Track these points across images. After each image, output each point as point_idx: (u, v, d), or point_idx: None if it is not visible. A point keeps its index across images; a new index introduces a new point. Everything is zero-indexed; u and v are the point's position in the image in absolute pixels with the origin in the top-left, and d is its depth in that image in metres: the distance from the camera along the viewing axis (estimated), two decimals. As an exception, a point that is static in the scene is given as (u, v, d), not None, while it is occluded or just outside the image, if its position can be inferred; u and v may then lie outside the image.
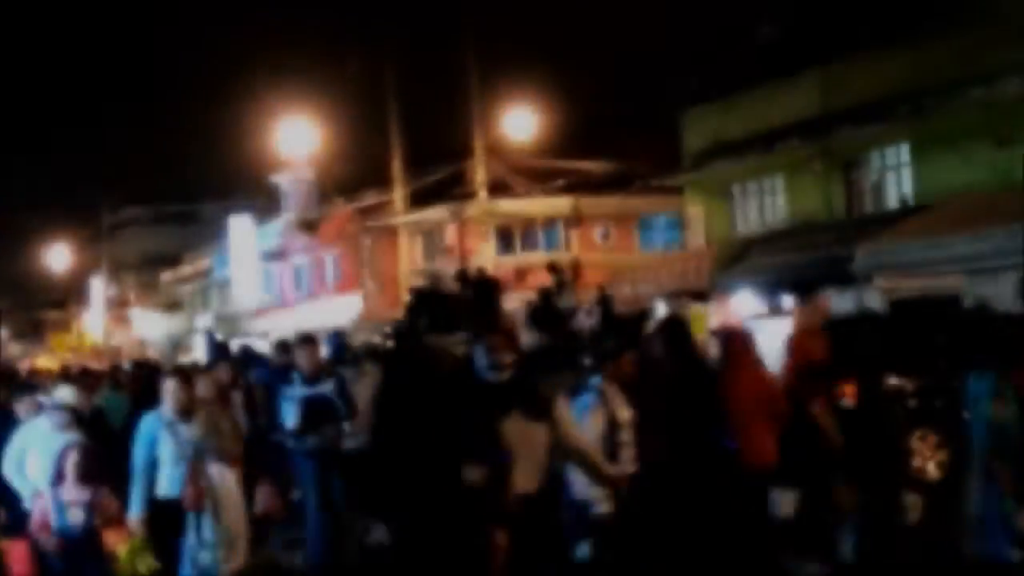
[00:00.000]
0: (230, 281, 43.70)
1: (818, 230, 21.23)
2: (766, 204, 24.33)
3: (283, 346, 11.78)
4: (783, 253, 21.12)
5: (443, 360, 6.33)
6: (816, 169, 22.02)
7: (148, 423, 7.47)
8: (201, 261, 49.10)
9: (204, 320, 45.32)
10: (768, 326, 22.01)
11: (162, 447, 7.39)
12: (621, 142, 30.86)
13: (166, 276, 53.45)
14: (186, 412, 7.46)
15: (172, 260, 53.04)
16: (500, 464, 5.68)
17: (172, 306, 52.54)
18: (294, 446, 9.08)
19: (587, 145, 31.67)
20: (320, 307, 38.33)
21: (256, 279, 42.72)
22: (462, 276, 20.21)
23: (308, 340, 9.62)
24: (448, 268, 32.04)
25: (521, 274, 31.54)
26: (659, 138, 27.93)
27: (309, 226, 39.70)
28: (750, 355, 7.94)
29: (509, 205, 32.39)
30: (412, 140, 33.51)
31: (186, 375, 7.86)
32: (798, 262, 20.16)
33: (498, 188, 32.38)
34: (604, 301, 21.88)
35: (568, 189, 32.14)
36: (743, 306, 21.25)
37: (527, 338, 15.17)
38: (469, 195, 32.30)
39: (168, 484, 7.36)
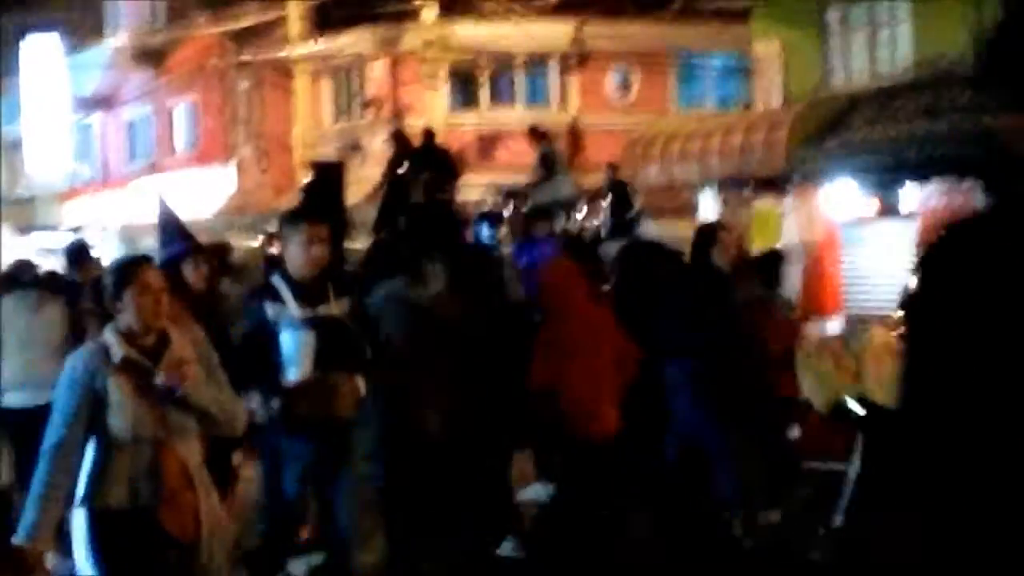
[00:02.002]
0: (21, 143, 43.43)
1: (961, 86, 21.18)
2: (880, 42, 24.23)
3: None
4: (905, 122, 21.06)
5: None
6: (962, -13, 21.93)
7: None
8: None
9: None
10: (879, 231, 22.24)
11: None
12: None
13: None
14: None
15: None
16: None
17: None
18: None
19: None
20: (167, 186, 38.10)
21: (65, 140, 42.45)
22: (398, 139, 20.12)
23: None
24: (373, 131, 31.95)
25: (487, 143, 31.42)
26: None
27: (151, 57, 39.32)
28: (581, 291, 10.05)
29: (471, 32, 32.18)
30: (319, -77, 33.26)
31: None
32: (928, 135, 20.09)
33: (454, 5, 32.13)
34: (618, 188, 21.89)
35: (565, 8, 31.93)
36: (840, 202, 21.23)
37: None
38: (407, 14, 32.06)
39: None
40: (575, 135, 31.26)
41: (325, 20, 33.79)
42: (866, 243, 21.40)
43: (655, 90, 32.95)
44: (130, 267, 6.68)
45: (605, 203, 21.13)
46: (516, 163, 26.19)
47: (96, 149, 43.50)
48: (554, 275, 10.25)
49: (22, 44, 42.13)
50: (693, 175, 23.52)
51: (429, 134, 20.00)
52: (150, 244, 28.40)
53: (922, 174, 20.49)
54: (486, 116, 32.38)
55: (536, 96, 33.21)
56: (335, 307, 8.49)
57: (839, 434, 10.34)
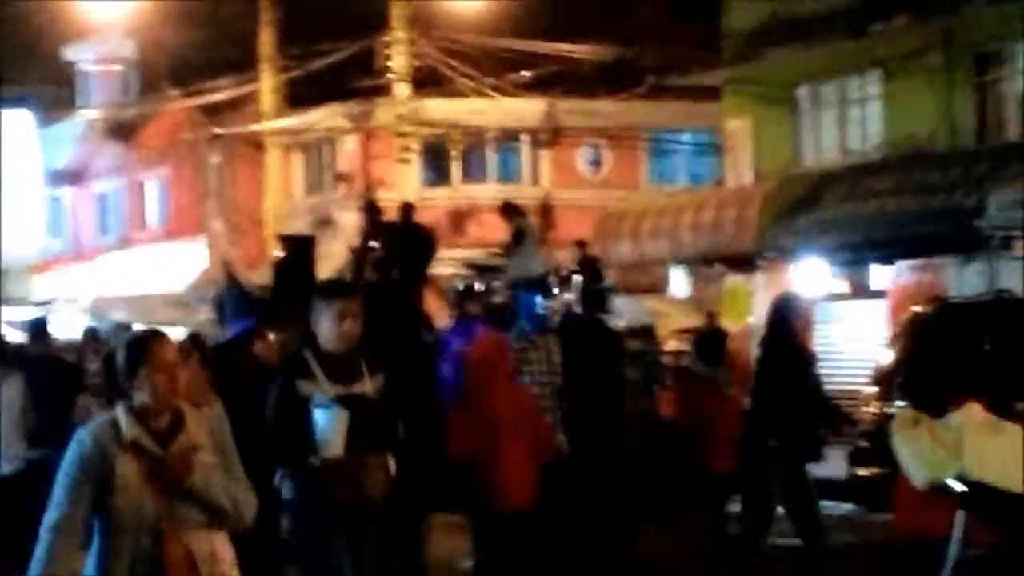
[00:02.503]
0: (-3, 217, 43.30)
1: (931, 164, 21.30)
2: (850, 119, 24.36)
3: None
4: (875, 199, 21.16)
5: None
6: (933, 65, 22.08)
7: None
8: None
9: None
10: (849, 311, 22.28)
11: None
12: (624, 16, 30.75)
13: None
14: None
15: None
16: None
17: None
18: None
19: (571, 20, 31.56)
20: (138, 260, 37.99)
21: (36, 213, 42.32)
22: (370, 213, 20.09)
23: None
24: (345, 205, 31.96)
25: (459, 218, 31.44)
26: (684, 10, 27.79)
27: (123, 131, 39.33)
28: (504, 367, 10.49)
29: (443, 108, 32.26)
30: (292, 0, 33.27)
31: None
32: (898, 214, 20.19)
33: (427, 81, 32.23)
34: (588, 265, 21.91)
35: (538, 86, 32.07)
36: (811, 280, 21.30)
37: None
38: (380, 89, 32.14)
39: None
40: (547, 211, 31.31)
41: (297, 95, 33.80)
42: (836, 320, 21.45)
43: (627, 166, 33.05)
44: (145, 342, 6.26)
45: (577, 279, 21.15)
46: (488, 238, 26.20)
47: (67, 222, 43.34)
48: (482, 350, 10.70)
49: (-2, 118, 42.02)
50: (664, 252, 23.61)
51: (407, 208, 19.96)
52: (121, 317, 28.34)
53: (892, 252, 20.60)
54: (458, 191, 32.45)
55: (508, 172, 33.29)
56: (368, 385, 8.25)
57: (934, 511, 10.42)
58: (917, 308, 14.43)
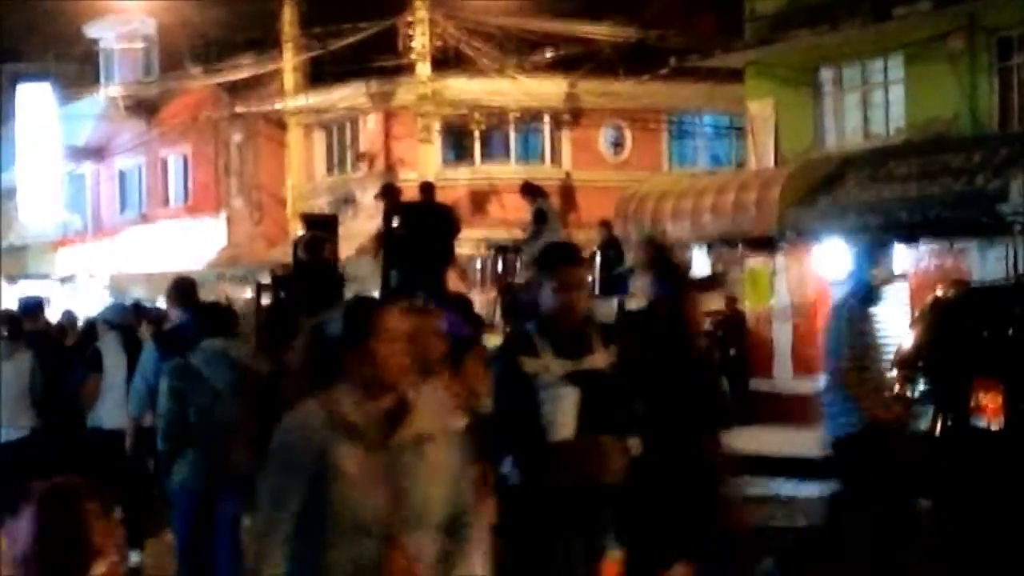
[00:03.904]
0: (13, 192, 43.41)
1: (954, 148, 21.30)
2: (872, 103, 24.35)
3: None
4: (897, 183, 21.18)
5: None
6: (955, 49, 22.07)
7: None
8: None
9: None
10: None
11: None
12: (646, -4, 30.77)
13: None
14: None
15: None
16: None
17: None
18: None
19: (593, 1, 31.54)
20: (158, 237, 38.09)
21: (57, 190, 42.45)
22: (388, 197, 20.15)
23: None
24: (366, 184, 32.02)
25: (480, 198, 31.48)
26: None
27: (144, 108, 39.36)
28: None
29: (465, 87, 32.30)
30: (314, -22, 33.36)
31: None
32: (921, 198, 20.20)
33: (448, 61, 32.26)
34: (610, 245, 21.98)
35: (560, 67, 32.10)
36: (831, 262, 21.31)
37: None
38: (401, 69, 32.17)
39: None
40: (568, 191, 31.37)
41: (319, 73, 33.86)
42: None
43: (648, 148, 33.04)
44: (369, 309, 5.35)
45: (597, 260, 21.21)
46: (508, 218, 26.29)
47: (88, 199, 43.44)
48: None
49: (15, 93, 42.20)
50: (685, 233, 23.58)
51: (427, 188, 19.99)
52: (140, 294, 28.47)
53: (914, 236, 20.59)
54: (479, 171, 32.45)
55: (529, 152, 33.29)
56: (600, 359, 7.47)
57: None
58: (938, 292, 14.45)
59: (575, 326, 7.46)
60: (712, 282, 21.43)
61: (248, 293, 22.02)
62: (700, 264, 23.17)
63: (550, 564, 7.30)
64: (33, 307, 15.03)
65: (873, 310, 10.05)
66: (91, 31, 40.90)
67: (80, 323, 18.18)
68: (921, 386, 13.23)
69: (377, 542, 5.07)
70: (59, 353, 14.16)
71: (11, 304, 17.53)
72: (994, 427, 11.91)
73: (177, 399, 9.55)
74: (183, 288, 11.21)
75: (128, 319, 14.34)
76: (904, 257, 20.93)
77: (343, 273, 18.79)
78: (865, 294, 9.99)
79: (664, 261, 9.55)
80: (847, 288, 10.42)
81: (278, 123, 35.20)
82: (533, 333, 7.49)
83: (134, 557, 12.09)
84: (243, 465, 9.04)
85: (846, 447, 9.78)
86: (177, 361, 9.67)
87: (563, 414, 7.25)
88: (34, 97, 41.89)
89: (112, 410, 12.73)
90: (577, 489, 7.20)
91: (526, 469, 7.20)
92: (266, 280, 20.88)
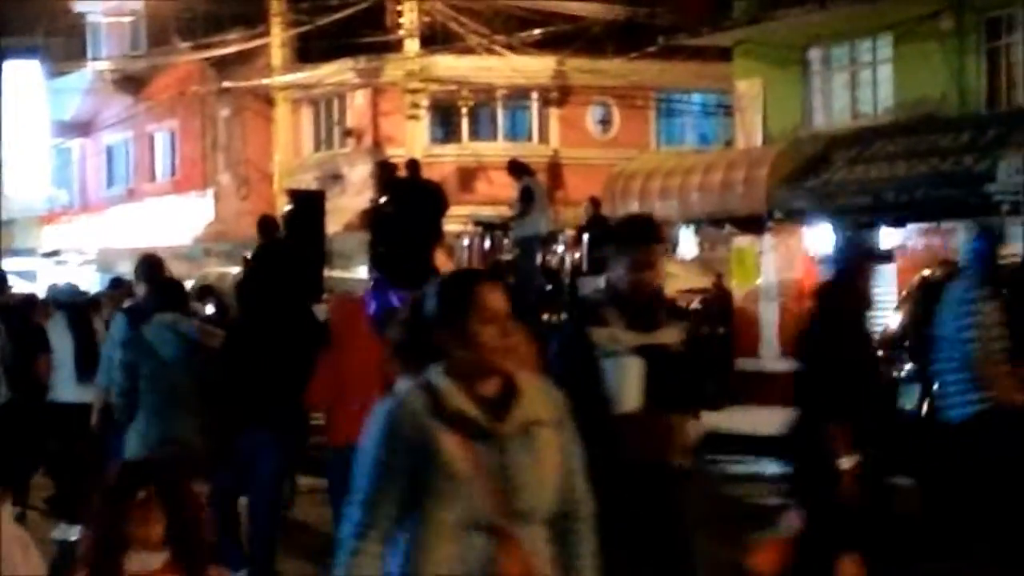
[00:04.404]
0: (1, 167, 43.28)
1: (942, 128, 21.30)
2: (861, 83, 24.34)
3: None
4: (885, 162, 21.18)
5: None
6: (944, 29, 22.05)
7: None
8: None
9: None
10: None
11: None
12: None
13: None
14: None
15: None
16: None
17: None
18: None
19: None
20: (145, 213, 38.03)
21: (44, 164, 42.36)
22: (384, 173, 20.10)
23: None
24: (353, 161, 31.98)
25: (467, 175, 31.44)
26: (697, -31, 27.67)
27: (131, 83, 39.31)
28: (359, 324, 10.98)
29: (453, 64, 32.25)
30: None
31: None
32: (908, 177, 20.20)
33: (436, 38, 32.20)
34: (598, 223, 21.92)
35: (547, 45, 32.03)
36: (820, 241, 21.31)
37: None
38: (389, 46, 32.10)
39: None
40: (555, 170, 31.34)
41: (307, 50, 33.79)
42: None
43: (636, 126, 33.01)
44: (469, 284, 4.84)
45: (584, 238, 21.17)
46: (496, 196, 26.23)
47: (74, 174, 43.35)
48: (338, 311, 11.57)
49: (2, 68, 42.00)
50: (673, 212, 23.57)
51: (413, 165, 19.93)
52: (126, 269, 28.42)
53: (901, 216, 20.60)
54: (466, 149, 32.41)
55: (517, 130, 33.26)
56: (668, 335, 7.23)
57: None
58: (925, 272, 14.44)
59: (646, 300, 7.24)
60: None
61: (235, 269, 21.95)
62: (687, 243, 23.16)
63: (610, 540, 6.19)
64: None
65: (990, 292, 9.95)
66: (79, 5, 40.83)
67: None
68: (907, 367, 13.23)
69: (487, 538, 4.63)
70: (26, 327, 14.25)
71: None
72: (980, 408, 11.88)
73: (129, 371, 9.98)
74: (150, 264, 11.49)
75: (77, 298, 15.01)
76: (891, 237, 20.93)
77: (330, 248, 18.78)
78: (985, 276, 9.90)
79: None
80: (970, 270, 10.31)
81: (266, 99, 35.15)
82: (602, 304, 7.27)
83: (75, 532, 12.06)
84: (189, 434, 9.78)
85: (970, 430, 9.66)
86: (132, 334, 10.15)
87: (628, 386, 7.03)
88: (21, 71, 41.69)
89: (64, 385, 13.50)
90: (642, 464, 6.97)
91: (589, 442, 6.20)
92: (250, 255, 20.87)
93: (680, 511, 7.21)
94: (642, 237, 7.35)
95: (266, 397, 10.26)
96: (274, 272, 14.49)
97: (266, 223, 16.26)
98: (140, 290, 11.30)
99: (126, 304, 12.22)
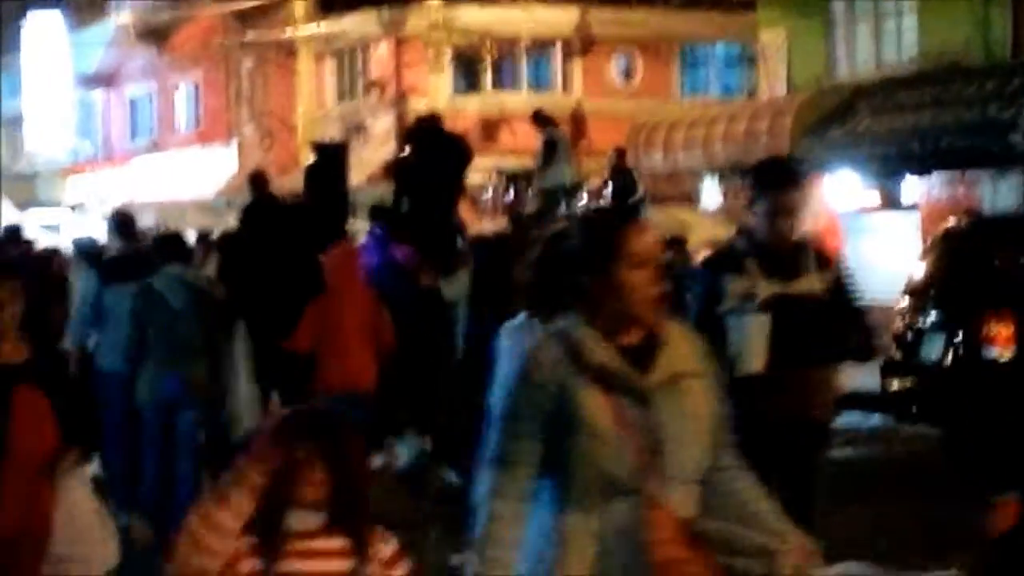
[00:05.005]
0: (22, 119, 43.37)
1: (967, 78, 21.21)
2: (885, 32, 24.22)
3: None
4: (909, 112, 21.10)
5: None
6: (969, -22, 21.94)
7: None
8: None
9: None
10: (881, 222, 22.26)
11: None
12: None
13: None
14: None
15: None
16: None
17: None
18: None
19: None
20: (168, 165, 38.09)
21: (67, 117, 42.43)
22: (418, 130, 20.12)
23: None
24: (376, 112, 31.95)
25: (490, 126, 31.40)
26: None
27: (155, 35, 39.18)
28: (355, 277, 11.57)
29: (475, 15, 32.18)
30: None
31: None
32: (932, 127, 20.13)
33: (459, -12, 32.15)
34: (622, 174, 21.91)
35: (571, -6, 31.99)
36: (843, 192, 21.29)
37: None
38: (412, -2, 32.06)
39: None
40: (578, 120, 31.28)
41: (330, 1, 33.75)
42: (868, 233, 21.43)
43: (659, 77, 32.92)
44: (616, 227, 4.34)
45: (608, 189, 21.17)
46: (519, 147, 26.22)
47: (98, 126, 43.44)
48: (333, 259, 11.90)
49: (24, 20, 42.11)
50: (696, 162, 23.54)
51: (435, 117, 19.93)
52: (150, 221, 28.50)
53: (925, 166, 20.53)
54: (489, 100, 32.33)
55: (540, 80, 33.17)
56: (810, 282, 6.75)
57: None
58: (950, 222, 14.41)
59: (790, 246, 6.81)
60: None
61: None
62: (711, 193, 23.13)
63: None
64: (12, 233, 15.91)
65: None
66: (100, -42, 40.78)
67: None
68: (932, 316, 13.23)
69: (632, 502, 4.19)
70: (44, 279, 14.33)
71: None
72: (1005, 357, 11.90)
73: (138, 320, 10.41)
74: (123, 220, 12.00)
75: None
76: (915, 187, 20.89)
77: (353, 201, 18.77)
78: None
79: None
80: None
81: (289, 50, 35.10)
82: (741, 250, 6.82)
83: None
84: (200, 380, 10.45)
85: None
86: (141, 285, 10.44)
87: (754, 344, 6.63)
88: (44, 24, 41.83)
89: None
90: (778, 422, 6.57)
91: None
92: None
93: (818, 468, 6.90)
94: (782, 181, 6.93)
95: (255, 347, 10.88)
96: (261, 228, 14.76)
97: (255, 179, 16.36)
98: (115, 245, 11.73)
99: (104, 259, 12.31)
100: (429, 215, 15.03)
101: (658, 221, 19.36)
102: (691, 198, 23.04)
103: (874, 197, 21.67)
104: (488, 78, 32.99)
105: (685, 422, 4.24)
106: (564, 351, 4.20)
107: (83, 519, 6.19)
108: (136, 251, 11.41)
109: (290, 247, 13.56)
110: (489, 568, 4.20)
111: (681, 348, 4.32)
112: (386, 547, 4.35)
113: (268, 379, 11.70)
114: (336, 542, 4.28)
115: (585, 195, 21.58)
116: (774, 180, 6.93)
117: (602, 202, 21.02)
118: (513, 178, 22.68)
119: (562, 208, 20.87)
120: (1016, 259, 12.80)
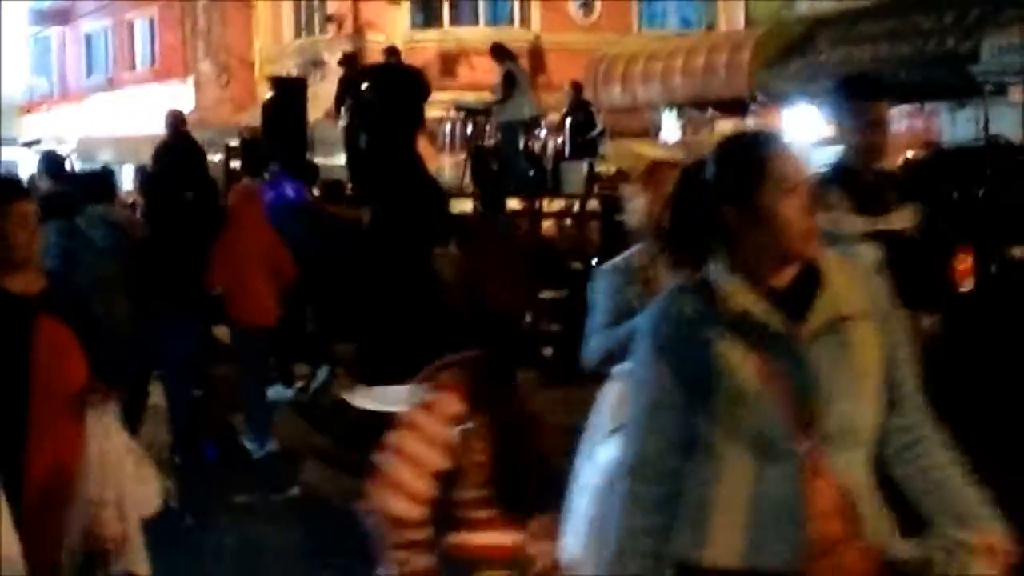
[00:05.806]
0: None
1: (926, 9, 21.16)
2: (844, -37, 24.18)
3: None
4: (868, 44, 21.06)
5: None
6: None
7: None
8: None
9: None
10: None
11: None
12: None
13: None
14: None
15: None
16: None
17: None
18: None
19: None
20: (124, 102, 37.86)
21: (22, 53, 42.12)
22: (351, 63, 20.02)
23: None
24: (334, 47, 31.75)
25: (449, 61, 31.29)
26: None
27: (110, -30, 38.99)
28: (255, 211, 11.99)
29: (434, -51, 32.02)
30: None
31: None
32: (891, 59, 20.09)
33: (417, -79, 31.95)
34: (581, 108, 21.83)
35: (529, -73, 31.81)
36: (801, 124, 21.23)
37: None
38: (370, -70, 31.86)
39: None
40: (537, 54, 31.17)
41: (286, -65, 33.58)
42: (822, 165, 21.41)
43: (617, 10, 32.83)
44: (759, 151, 3.72)
45: (567, 122, 21.08)
46: (478, 81, 26.09)
47: (54, 63, 43.15)
48: (235, 198, 12.44)
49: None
50: (655, 96, 23.44)
51: (393, 52, 19.83)
52: (107, 158, 28.29)
53: (882, 97, 20.50)
54: (448, 34, 32.21)
55: (498, 15, 33.06)
56: (901, 218, 6.23)
57: None
58: (909, 154, 14.40)
59: (876, 175, 6.27)
60: None
61: (217, 156, 21.86)
62: (670, 127, 23.07)
63: None
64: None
65: None
66: None
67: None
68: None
69: (787, 469, 3.60)
70: None
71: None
72: (964, 289, 11.91)
73: (67, 258, 10.37)
74: (53, 161, 12.32)
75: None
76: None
77: (311, 135, 18.66)
78: None
79: None
80: None
81: (245, -15, 34.94)
82: (824, 183, 5.99)
83: None
84: (124, 318, 10.51)
85: None
86: (63, 223, 10.42)
87: None
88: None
89: None
90: None
91: None
92: (235, 143, 20.76)
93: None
94: (870, 93, 6.38)
95: (173, 283, 11.09)
96: (176, 166, 15.03)
97: (172, 117, 16.45)
98: (45, 185, 11.79)
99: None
100: (388, 151, 14.92)
101: (615, 154, 19.33)
102: (650, 132, 22.94)
103: (833, 130, 21.67)
104: (446, 12, 32.86)
105: (849, 374, 3.62)
106: (702, 303, 3.66)
107: (116, 460, 5.92)
108: (64, 191, 11.52)
109: (201, 186, 14.16)
110: (634, 544, 3.70)
111: (843, 287, 3.68)
112: (550, 523, 4.31)
113: (203, 314, 11.92)
114: (501, 517, 4.18)
115: (544, 129, 21.48)
116: (863, 91, 6.42)
117: (561, 137, 20.95)
118: (472, 112, 22.53)
119: (521, 142, 20.79)
120: (975, 191, 12.81)
